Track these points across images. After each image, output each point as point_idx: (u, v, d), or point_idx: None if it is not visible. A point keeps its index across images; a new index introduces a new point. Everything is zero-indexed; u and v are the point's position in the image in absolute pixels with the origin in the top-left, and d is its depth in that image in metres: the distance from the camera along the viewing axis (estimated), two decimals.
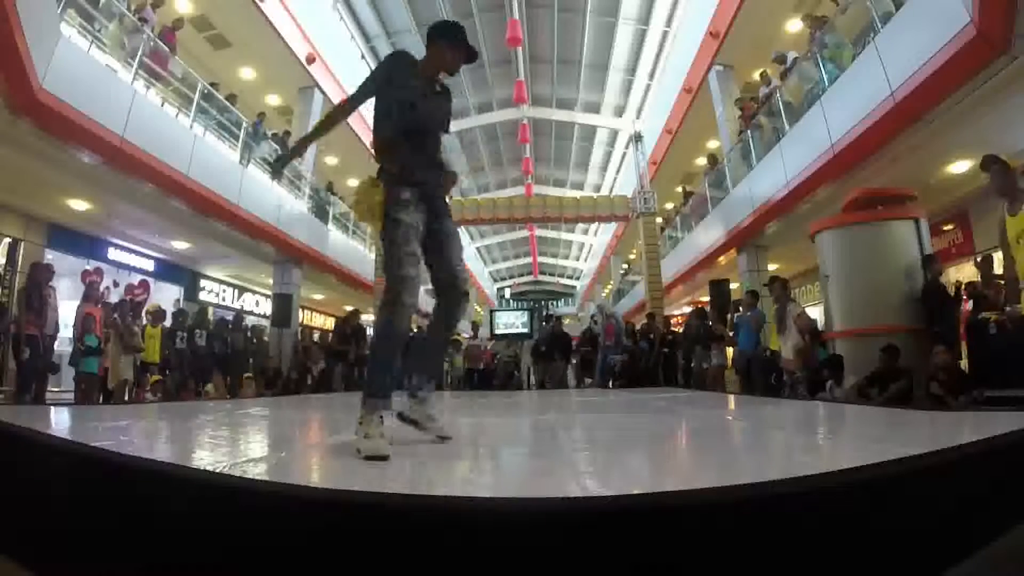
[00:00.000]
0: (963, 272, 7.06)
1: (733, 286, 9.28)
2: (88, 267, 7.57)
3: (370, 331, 8.82)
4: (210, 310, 9.46)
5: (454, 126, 2.33)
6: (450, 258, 1.97)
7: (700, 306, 9.87)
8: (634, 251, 17.48)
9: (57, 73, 5.11)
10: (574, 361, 9.62)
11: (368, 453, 1.52)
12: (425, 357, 2.14)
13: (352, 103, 2.05)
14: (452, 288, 1.99)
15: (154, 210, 7.50)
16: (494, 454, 1.98)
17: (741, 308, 7.08)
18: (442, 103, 2.03)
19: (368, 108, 2.04)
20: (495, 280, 30.02)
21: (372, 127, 1.98)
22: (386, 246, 1.82)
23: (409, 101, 1.90)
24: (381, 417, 1.69)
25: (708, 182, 11.27)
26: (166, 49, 7.31)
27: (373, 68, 2.05)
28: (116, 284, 8.06)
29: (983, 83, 4.66)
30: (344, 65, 11.93)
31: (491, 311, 12.29)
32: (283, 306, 9.68)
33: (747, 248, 9.55)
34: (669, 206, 14.89)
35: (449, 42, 1.99)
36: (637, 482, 1.43)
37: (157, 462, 1.20)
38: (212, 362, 7.72)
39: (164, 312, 7.44)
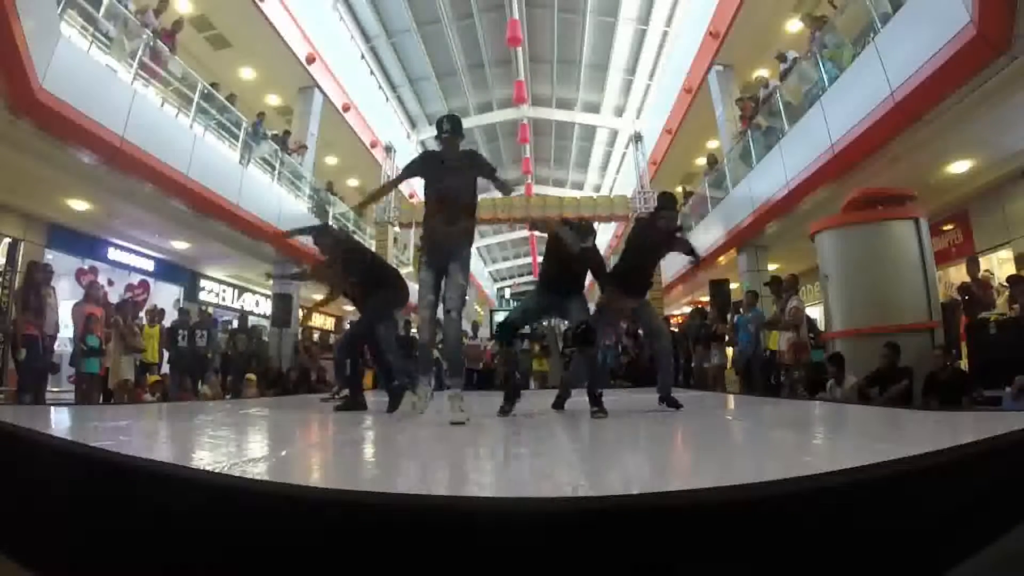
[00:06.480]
0: (962, 273, 7.06)
1: (733, 286, 9.28)
2: (84, 267, 7.54)
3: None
4: (210, 309, 9.46)
5: None
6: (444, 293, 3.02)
7: (700, 306, 9.87)
8: None
9: (57, 73, 5.10)
10: None
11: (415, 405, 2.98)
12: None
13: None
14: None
15: (154, 210, 7.49)
16: (494, 454, 1.98)
17: (741, 308, 7.08)
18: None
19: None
20: (495, 280, 29.89)
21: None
22: None
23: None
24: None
25: (708, 182, 11.25)
26: (166, 49, 7.30)
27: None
28: (111, 283, 8.03)
29: (983, 83, 4.65)
30: (344, 65, 11.91)
31: (491, 311, 12.29)
32: (283, 306, 9.67)
33: (747, 248, 9.54)
34: None
35: None
36: (637, 482, 1.43)
37: (157, 462, 1.20)
38: (217, 362, 7.72)
39: (163, 312, 7.43)
